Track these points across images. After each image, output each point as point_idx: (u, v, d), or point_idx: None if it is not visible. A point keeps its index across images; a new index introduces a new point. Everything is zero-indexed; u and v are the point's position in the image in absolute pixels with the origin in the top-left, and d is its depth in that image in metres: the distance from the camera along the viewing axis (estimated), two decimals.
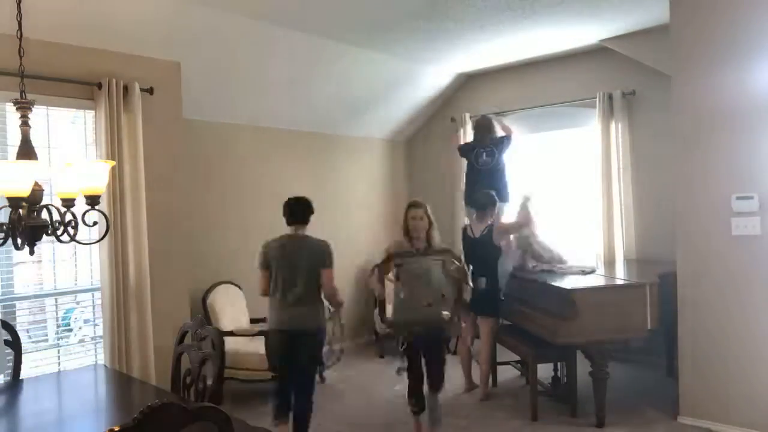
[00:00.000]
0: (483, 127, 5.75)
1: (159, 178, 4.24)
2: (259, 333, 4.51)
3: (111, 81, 3.94)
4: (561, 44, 5.52)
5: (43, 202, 2.20)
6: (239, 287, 5.20)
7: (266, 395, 4.19)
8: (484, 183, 5.59)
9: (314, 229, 6.13)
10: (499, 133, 5.81)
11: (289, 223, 3.76)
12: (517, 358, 4.74)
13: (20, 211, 2.08)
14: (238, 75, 5.02)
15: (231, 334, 4.57)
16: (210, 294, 4.93)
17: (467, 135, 6.41)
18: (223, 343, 2.55)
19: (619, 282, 4.13)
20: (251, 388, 4.64)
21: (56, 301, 4.18)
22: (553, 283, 4.14)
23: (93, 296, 4.16)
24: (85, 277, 4.21)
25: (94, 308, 4.18)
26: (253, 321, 5.09)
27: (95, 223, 2.27)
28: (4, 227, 2.10)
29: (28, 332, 4.02)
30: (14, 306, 3.81)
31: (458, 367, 5.16)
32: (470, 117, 6.48)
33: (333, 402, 4.64)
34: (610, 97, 5.50)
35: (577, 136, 5.95)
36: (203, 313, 4.74)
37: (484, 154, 5.63)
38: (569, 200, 6.00)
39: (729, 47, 3.69)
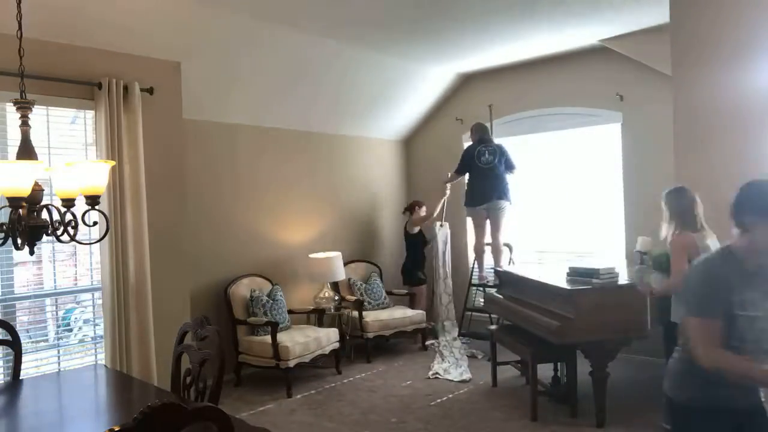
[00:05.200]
0: (483, 128, 5.80)
1: (159, 178, 4.24)
2: (267, 323, 4.96)
3: (111, 81, 3.94)
4: (561, 44, 5.52)
5: (43, 202, 2.20)
6: (269, 280, 5.50)
7: (271, 377, 5.09)
8: (486, 182, 5.59)
9: (314, 227, 6.17)
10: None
11: None
12: (517, 358, 4.74)
13: (20, 211, 2.08)
14: (238, 75, 5.02)
15: (244, 323, 5.13)
16: (233, 285, 5.27)
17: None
18: (222, 342, 2.55)
19: (619, 282, 4.12)
20: (260, 373, 5.20)
21: (56, 301, 4.18)
22: (554, 283, 4.14)
23: (93, 296, 4.16)
24: (85, 277, 4.21)
25: (94, 308, 4.18)
26: (289, 312, 5.42)
27: (95, 223, 2.27)
28: (4, 227, 2.10)
29: (28, 332, 4.02)
30: (14, 306, 3.81)
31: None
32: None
33: (336, 401, 4.65)
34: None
35: (577, 136, 5.95)
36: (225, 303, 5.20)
37: (487, 152, 5.65)
38: (568, 200, 6.00)
39: (729, 47, 3.69)
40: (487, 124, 6.03)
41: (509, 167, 5.76)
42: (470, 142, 6.06)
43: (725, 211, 3.67)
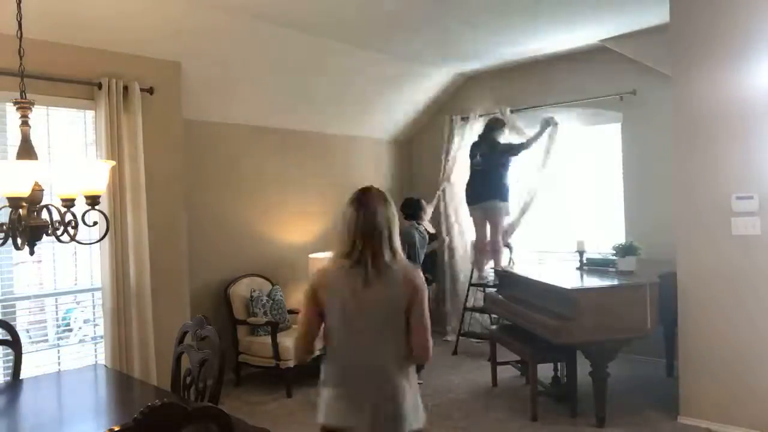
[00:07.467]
0: (487, 128, 5.85)
1: (159, 178, 4.24)
2: (267, 323, 4.99)
3: (111, 81, 3.94)
4: (561, 44, 5.52)
5: (43, 202, 2.20)
6: (269, 280, 5.52)
7: (271, 377, 5.06)
8: (476, 183, 5.76)
9: (314, 227, 6.17)
10: (510, 139, 5.88)
11: None
12: (517, 358, 4.74)
13: (20, 211, 2.08)
14: (238, 75, 5.02)
15: (244, 323, 5.13)
16: (233, 285, 5.26)
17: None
18: (222, 343, 2.55)
19: (619, 282, 4.13)
20: (260, 373, 5.20)
21: (56, 301, 4.18)
22: (554, 283, 4.14)
23: (93, 296, 4.16)
24: (85, 277, 4.21)
25: (94, 308, 4.18)
26: (289, 312, 5.44)
27: (95, 223, 2.27)
28: (4, 227, 2.10)
29: (28, 332, 4.01)
30: (14, 306, 3.81)
31: (456, 369, 5.19)
32: (479, 115, 6.44)
33: None
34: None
35: (577, 136, 5.95)
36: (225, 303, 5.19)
37: (478, 155, 5.79)
38: (568, 200, 6.00)
39: (729, 47, 3.69)
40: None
41: (511, 153, 5.72)
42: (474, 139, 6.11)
43: (723, 209, 3.69)
